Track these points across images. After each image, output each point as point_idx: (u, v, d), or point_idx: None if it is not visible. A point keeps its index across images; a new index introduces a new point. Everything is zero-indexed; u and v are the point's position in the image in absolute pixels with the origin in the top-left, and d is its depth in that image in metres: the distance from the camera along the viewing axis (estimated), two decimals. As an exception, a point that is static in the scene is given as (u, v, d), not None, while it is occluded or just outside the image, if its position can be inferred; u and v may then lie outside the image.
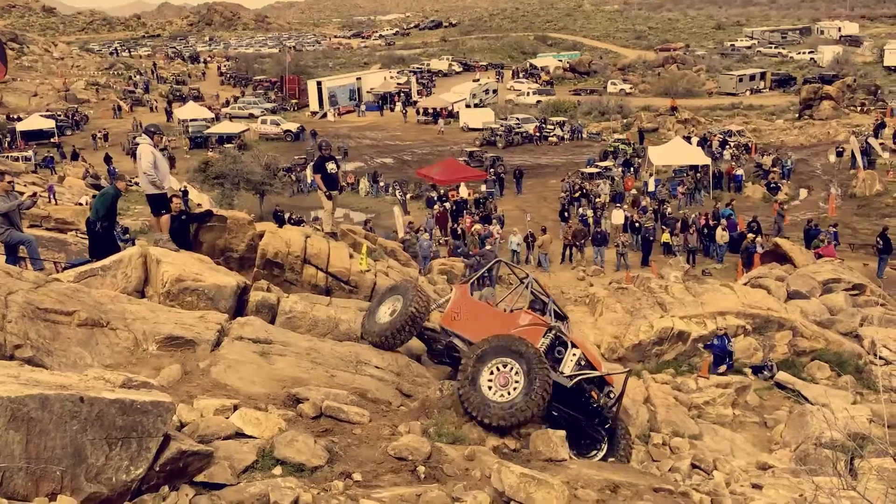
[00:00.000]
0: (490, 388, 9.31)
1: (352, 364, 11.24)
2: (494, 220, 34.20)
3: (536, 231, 30.93)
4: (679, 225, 31.68)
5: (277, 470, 7.78)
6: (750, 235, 29.27)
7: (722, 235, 30.35)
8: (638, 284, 22.95)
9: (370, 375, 11.12)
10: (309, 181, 40.12)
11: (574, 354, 10.30)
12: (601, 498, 8.09)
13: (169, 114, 72.64)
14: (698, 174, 41.43)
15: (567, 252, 30.96)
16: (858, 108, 60.57)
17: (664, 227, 32.13)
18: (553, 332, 10.46)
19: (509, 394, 9.21)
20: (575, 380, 9.93)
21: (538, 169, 50.15)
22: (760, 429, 15.03)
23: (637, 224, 31.92)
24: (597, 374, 10.23)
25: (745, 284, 22.67)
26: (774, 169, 42.90)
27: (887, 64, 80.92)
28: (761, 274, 23.83)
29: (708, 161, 42.41)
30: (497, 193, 42.36)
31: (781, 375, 16.92)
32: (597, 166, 45.23)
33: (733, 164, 44.93)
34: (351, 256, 15.66)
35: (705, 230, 30.98)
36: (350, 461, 8.23)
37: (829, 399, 15.78)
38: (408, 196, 41.88)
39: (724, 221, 31.47)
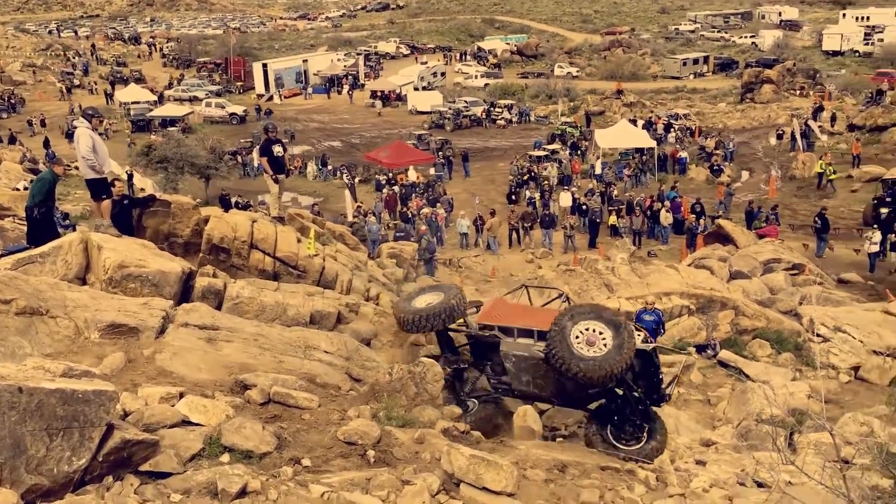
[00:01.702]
0: (578, 344, 9.58)
1: (300, 349, 11.16)
2: (443, 203, 34.24)
3: (485, 214, 31.03)
4: (625, 207, 32.10)
5: (225, 457, 7.69)
6: (692, 217, 29.87)
7: (666, 217, 30.85)
8: (585, 266, 23.23)
9: (319, 360, 11.06)
10: (255, 165, 39.57)
11: (638, 332, 10.67)
12: (549, 477, 8.19)
13: (109, 96, 70.74)
14: (644, 157, 42.02)
15: (515, 235, 31.15)
16: (798, 92, 62.03)
17: (611, 209, 32.52)
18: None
19: (598, 352, 9.49)
20: (652, 345, 10.64)
21: (486, 152, 50.26)
22: (704, 406, 15.37)
23: (584, 206, 32.25)
24: (669, 347, 10.59)
25: (689, 265, 23.12)
26: (717, 151, 43.71)
27: (825, 48, 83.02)
28: (705, 255, 24.32)
29: (653, 144, 43.04)
30: (446, 176, 42.36)
31: (724, 354, 17.31)
32: (544, 149, 45.50)
33: (678, 146, 45.66)
34: (299, 241, 15.50)
35: (649, 212, 31.46)
36: (299, 447, 8.18)
37: (770, 376, 16.24)
38: (356, 179, 41.60)
39: (668, 203, 31.98)
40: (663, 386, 10.96)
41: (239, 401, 8.97)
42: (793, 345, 18.01)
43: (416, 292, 12.66)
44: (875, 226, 27.21)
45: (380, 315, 14.43)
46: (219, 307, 12.31)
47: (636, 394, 10.34)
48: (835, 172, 37.03)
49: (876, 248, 25.74)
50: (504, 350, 10.87)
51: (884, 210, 28.30)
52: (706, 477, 8.87)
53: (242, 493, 7.06)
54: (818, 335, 17.86)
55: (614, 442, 10.27)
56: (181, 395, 8.58)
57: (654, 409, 10.76)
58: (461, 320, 11.83)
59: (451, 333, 12.13)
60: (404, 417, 9.11)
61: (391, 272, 20.60)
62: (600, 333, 9.66)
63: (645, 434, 10.47)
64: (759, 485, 8.91)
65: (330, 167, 45.08)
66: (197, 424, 8.14)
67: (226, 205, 32.64)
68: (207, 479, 7.15)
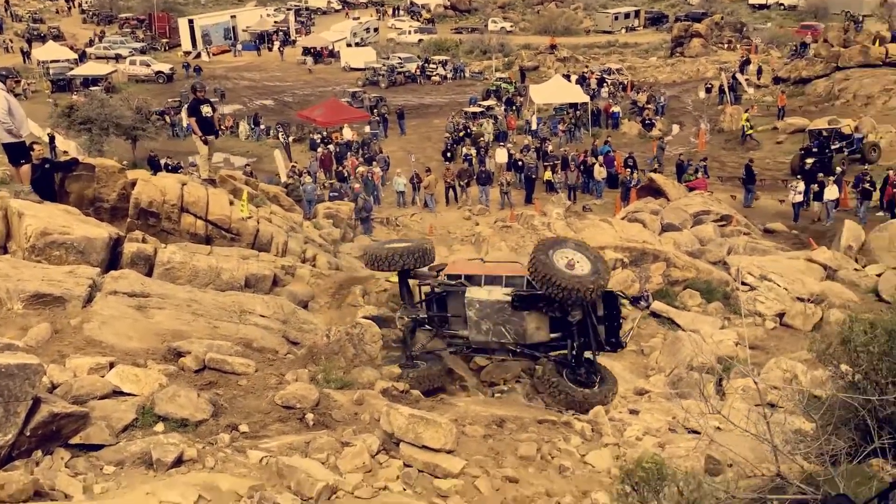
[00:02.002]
0: (559, 265, 10.16)
1: (235, 314, 11.02)
2: (379, 162, 33.94)
3: (421, 172, 30.90)
4: (560, 163, 32.33)
5: (159, 427, 7.58)
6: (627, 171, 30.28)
7: (600, 172, 31.21)
8: (522, 222, 23.42)
9: (255, 324, 10.94)
10: (184, 125, 38.46)
11: None
12: (488, 433, 8.31)
13: (26, 55, 67.51)
14: (578, 112, 42.28)
15: (452, 192, 31.14)
16: (725, 46, 63.01)
17: (546, 165, 32.72)
18: None
19: (579, 273, 10.15)
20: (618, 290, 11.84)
21: (422, 109, 49.88)
22: (638, 356, 15.75)
23: (520, 163, 32.37)
24: (628, 297, 12.19)
25: (622, 219, 23.51)
26: (649, 106, 44.27)
27: (752, 2, 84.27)
28: (637, 208, 24.75)
29: (587, 99, 43.31)
30: (381, 134, 41.93)
31: (657, 305, 17.72)
32: (480, 106, 45.36)
33: (611, 101, 46.07)
34: (231, 203, 15.20)
35: (583, 167, 31.77)
36: (236, 413, 8.10)
37: (700, 325, 16.73)
38: (290, 139, 40.87)
39: (601, 158, 32.33)
40: (622, 332, 11.44)
41: (172, 369, 8.82)
42: (721, 294, 18.53)
43: (387, 241, 13.31)
44: (799, 176, 28.04)
45: (317, 277, 14.31)
46: (149, 273, 12.02)
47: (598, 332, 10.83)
48: (752, 127, 37.87)
49: (800, 198, 26.53)
50: (469, 297, 10.95)
51: (809, 161, 29.19)
52: (639, 426, 9.13)
53: (178, 461, 6.99)
54: (745, 284, 18.41)
55: (571, 385, 10.52)
56: (111, 366, 8.39)
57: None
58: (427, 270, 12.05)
59: (410, 287, 12.18)
60: (343, 379, 9.10)
61: (328, 232, 20.42)
62: (578, 261, 10.35)
63: (598, 379, 10.83)
64: (690, 431, 9.20)
65: (263, 126, 44.15)
66: (129, 394, 7.99)
67: (155, 167, 31.78)
68: (141, 450, 7.05)
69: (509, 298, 10.73)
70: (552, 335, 10.94)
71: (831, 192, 25.55)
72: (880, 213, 24.82)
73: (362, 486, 6.86)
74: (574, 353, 10.80)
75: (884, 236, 20.29)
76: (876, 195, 25.49)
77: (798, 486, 4.93)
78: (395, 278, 13.74)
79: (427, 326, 11.81)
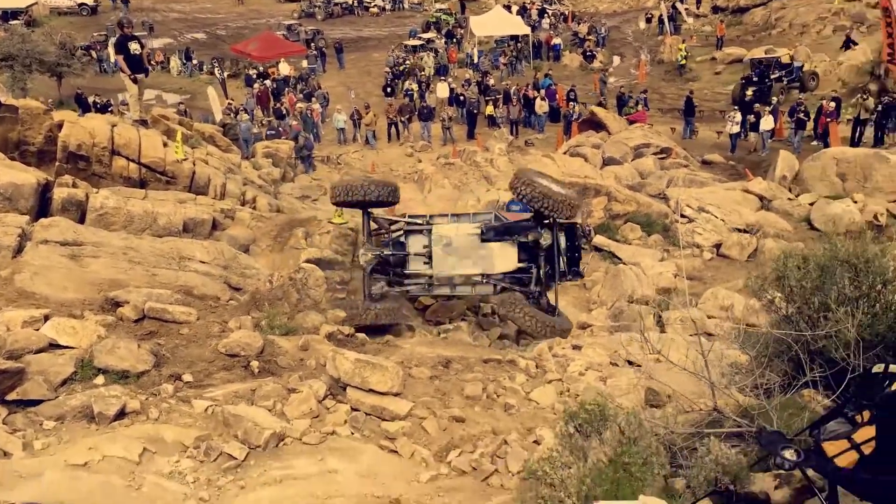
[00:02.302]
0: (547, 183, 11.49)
1: (174, 260, 10.80)
2: (318, 98, 33.22)
3: (361, 108, 30.35)
4: (502, 97, 32.09)
5: (100, 379, 7.45)
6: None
7: (542, 105, 31.10)
8: (464, 159, 23.32)
9: (195, 271, 10.75)
10: (112, 61, 36.90)
11: None
12: (434, 374, 8.38)
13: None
14: (519, 44, 41.83)
15: (394, 129, 30.73)
16: (665, -25, 62.68)
17: (487, 99, 32.45)
18: None
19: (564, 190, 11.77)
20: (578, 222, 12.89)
21: (360, 42, 48.71)
22: (580, 290, 15.98)
23: (461, 97, 32.04)
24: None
25: (564, 153, 23.58)
26: (590, 37, 44.02)
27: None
28: (579, 143, 24.82)
29: (528, 31, 42.82)
30: (319, 69, 40.89)
31: (598, 239, 17.93)
32: (420, 38, 44.51)
33: (552, 33, 45.66)
34: (165, 145, 14.75)
35: (524, 101, 31.58)
36: (179, 362, 8.00)
37: (641, 258, 17.03)
38: (225, 74, 39.58)
39: (543, 92, 32.18)
40: (581, 263, 12.64)
41: (111, 319, 8.63)
42: (661, 226, 18.83)
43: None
44: (736, 107, 28.39)
45: (257, 220, 14.07)
46: (82, 220, 11.67)
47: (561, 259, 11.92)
48: (686, 57, 38.00)
49: (737, 129, 26.89)
50: (437, 233, 11.80)
51: (750, 91, 29.56)
52: (582, 361, 9.30)
53: (121, 414, 6.90)
54: (684, 216, 18.73)
55: (543, 312, 11.38)
56: (46, 318, 8.17)
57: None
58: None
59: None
60: (287, 325, 9.03)
61: (267, 172, 20.05)
62: (558, 185, 11.87)
63: (556, 309, 11.79)
64: (632, 364, 9.42)
65: (195, 62, 42.61)
66: (66, 347, 7.81)
67: (82, 105, 30.55)
68: (82, 403, 6.93)
69: (479, 231, 11.65)
70: (519, 265, 11.75)
71: (767, 123, 25.94)
72: (814, 143, 25.37)
73: (310, 431, 6.88)
74: (541, 281, 11.72)
75: (817, 166, 20.76)
76: (810, 125, 26.00)
77: (734, 419, 5.10)
78: (340, 220, 13.63)
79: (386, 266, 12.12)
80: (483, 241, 11.71)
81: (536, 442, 7.06)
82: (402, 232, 12.26)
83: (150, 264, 10.37)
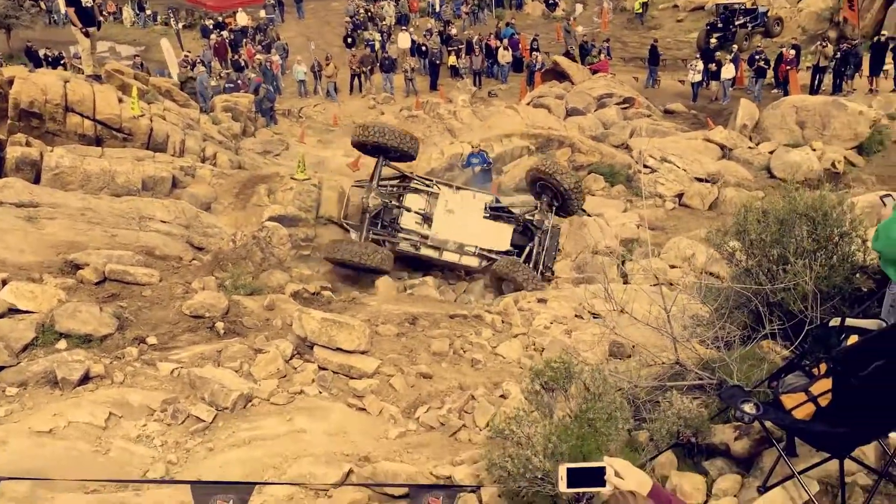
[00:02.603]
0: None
1: (134, 220, 10.63)
2: (277, 49, 32.53)
3: (322, 59, 29.79)
4: (464, 47, 31.71)
5: (62, 344, 7.36)
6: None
7: (504, 55, 30.80)
8: (427, 111, 23.09)
9: (156, 231, 10.60)
10: (62, 12, 35.67)
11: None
12: (401, 331, 8.40)
13: None
14: (481, -9, 41.23)
15: (356, 80, 30.26)
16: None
17: (450, 49, 32.04)
18: None
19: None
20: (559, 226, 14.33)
21: (319, -9, 47.63)
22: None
23: (423, 47, 31.58)
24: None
25: (528, 104, 23.45)
26: (552, -16, 43.48)
27: None
28: (542, 93, 24.68)
29: (489, -22, 42.17)
30: (278, 19, 39.98)
31: (562, 191, 17.95)
32: (380, -14, 43.62)
33: (514, -20, 45.02)
34: (121, 101, 14.38)
35: (486, 51, 31.23)
36: (143, 325, 7.93)
37: (604, 209, 17.15)
38: (180, 25, 38.54)
39: (506, 41, 31.84)
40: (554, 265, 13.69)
41: (71, 282, 8.50)
42: (624, 177, 18.92)
43: None
44: (698, 55, 28.39)
45: (218, 177, 13.85)
46: (37, 180, 11.40)
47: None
48: (645, 5, 37.74)
49: (699, 78, 26.94)
50: (444, 198, 12.97)
51: (714, 38, 29.61)
52: (547, 315, 9.38)
53: (85, 378, 6.85)
54: (646, 166, 18.82)
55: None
56: (4, 283, 8.02)
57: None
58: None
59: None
60: (252, 285, 8.97)
61: (227, 127, 19.66)
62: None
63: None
64: (596, 316, 9.54)
65: (149, 12, 41.40)
66: (26, 312, 7.69)
67: (33, 59, 29.61)
68: (45, 369, 6.86)
69: (484, 206, 12.96)
70: (509, 247, 12.96)
71: (728, 71, 26.01)
72: (775, 91, 25.53)
73: (278, 392, 6.89)
74: (530, 258, 12.91)
75: (776, 114, 20.92)
76: (770, 73, 26.12)
77: (696, 372, 5.20)
78: (303, 176, 13.49)
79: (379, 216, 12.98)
80: (485, 217, 12.97)
81: (503, 396, 7.14)
82: (404, 187, 13.11)
83: (110, 225, 10.19)
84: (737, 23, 31.08)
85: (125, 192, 11.80)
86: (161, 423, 6.34)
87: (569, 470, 2.06)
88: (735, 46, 28.48)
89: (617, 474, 2.02)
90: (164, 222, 10.76)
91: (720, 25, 30.71)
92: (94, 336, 7.48)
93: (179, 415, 6.40)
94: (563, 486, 2.08)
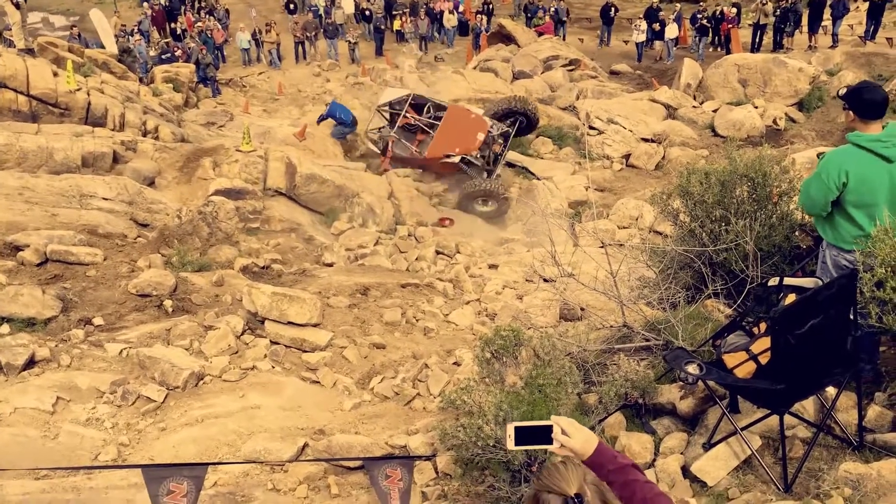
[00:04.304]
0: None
1: (75, 199, 10.36)
2: (217, 16, 31.71)
3: (262, 26, 29.14)
4: (409, 10, 31.31)
5: (4, 328, 7.21)
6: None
7: (450, 19, 30.53)
8: (373, 77, 22.83)
9: (98, 209, 10.35)
10: (-11, -18, 34.23)
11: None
12: (353, 302, 8.39)
13: None
14: (424, -46, 40.66)
15: (300, 48, 29.70)
16: None
17: (394, 13, 31.61)
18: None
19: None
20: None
21: (259, -45, 46.46)
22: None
23: (367, 12, 31.11)
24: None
25: (474, 68, 23.33)
26: (496, -55, 43.07)
27: None
28: (489, 57, 24.56)
29: (432, -61, 41.58)
30: (217, -15, 38.97)
31: (511, 155, 17.98)
32: (321, -50, 42.68)
33: (457, -59, 44.47)
34: (56, 75, 13.93)
35: (430, 14, 30.91)
36: (88, 306, 7.79)
37: (553, 172, 17.24)
38: (115, -6, 37.28)
39: (450, 4, 31.53)
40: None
41: (11, 265, 8.29)
42: (572, 139, 19.00)
43: None
44: (641, 16, 28.49)
45: (161, 150, 13.52)
46: (-30, 160, 11.02)
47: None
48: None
49: (643, 38, 27.07)
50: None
51: None
52: (499, 280, 9.46)
53: (30, 363, 6.73)
54: (593, 128, 18.93)
55: None
56: (-60, 268, 7.78)
57: None
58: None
59: None
60: (200, 261, 8.86)
61: (168, 99, 19.18)
62: None
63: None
64: (547, 280, 9.63)
65: (81, -20, 39.97)
66: (-35, 298, 7.48)
67: (-40, 33, 28.42)
68: (-12, 356, 6.70)
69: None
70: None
71: (671, 31, 26.19)
72: (717, 49, 25.79)
73: (230, 368, 6.86)
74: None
75: (719, 73, 21.16)
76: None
77: (642, 334, 5.30)
78: (248, 147, 13.27)
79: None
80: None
81: (456, 363, 7.21)
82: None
83: (49, 204, 9.91)
84: None
85: (64, 169, 11.47)
86: (111, 405, 6.26)
87: (516, 429, 2.09)
88: (678, 6, 28.67)
89: (563, 432, 2.05)
90: (107, 199, 10.50)
91: None
92: (38, 319, 7.33)
93: (129, 396, 6.33)
94: (511, 445, 2.11)
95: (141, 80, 20.45)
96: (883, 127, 4.24)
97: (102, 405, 6.26)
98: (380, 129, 17.31)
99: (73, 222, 9.62)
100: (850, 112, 4.31)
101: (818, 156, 4.97)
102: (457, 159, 15.85)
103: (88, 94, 14.00)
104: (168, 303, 7.85)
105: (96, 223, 9.77)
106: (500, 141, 16.64)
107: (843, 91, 4.42)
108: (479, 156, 16.17)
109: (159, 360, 6.66)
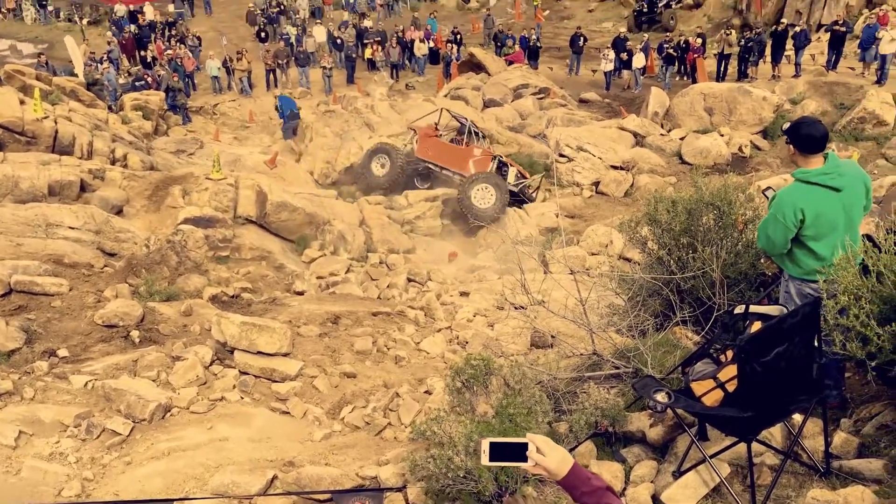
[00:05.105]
0: (476, 201, 16.09)
1: (41, 228, 10.22)
2: (188, 45, 31.67)
3: (233, 54, 29.14)
4: (380, 39, 31.51)
5: (-34, 362, 7.05)
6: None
7: (420, 47, 30.77)
8: (345, 105, 22.89)
9: (65, 238, 10.22)
10: (-45, 10, 33.97)
11: (512, 169, 17.29)
12: (324, 331, 8.34)
13: None
14: (395, -17, 41.08)
15: (271, 75, 29.72)
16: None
17: (366, 42, 31.80)
18: (497, 159, 17.25)
19: (489, 203, 16.12)
20: (519, 187, 17.18)
21: (230, -17, 46.57)
22: (466, 235, 16.17)
23: (339, 41, 31.26)
24: (527, 181, 17.56)
25: (445, 96, 23.50)
26: (466, -24, 43.62)
27: None
28: (460, 85, 24.75)
29: (403, -31, 42.02)
30: (188, 13, 38.95)
31: (482, 182, 18.07)
32: (293, -21, 42.94)
33: (427, -29, 44.97)
34: (23, 103, 13.79)
35: (401, 43, 31.12)
36: (53, 337, 7.65)
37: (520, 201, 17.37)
38: (84, 22, 37.13)
39: (421, 33, 31.79)
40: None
41: (-26, 296, 8.14)
42: (542, 166, 19.18)
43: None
44: (609, 45, 28.91)
45: (129, 178, 13.41)
46: (-67, 189, 10.84)
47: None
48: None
49: (611, 67, 27.46)
50: (436, 173, 17.23)
51: (644, 22, 30.52)
52: (470, 308, 9.46)
53: (-7, 396, 6.56)
54: (563, 156, 19.13)
55: None
56: None
57: None
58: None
59: None
60: (168, 290, 8.76)
61: (138, 126, 19.09)
62: (489, 190, 16.24)
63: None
64: (518, 308, 9.65)
65: (51, 8, 39.72)
66: (-75, 330, 7.32)
67: (-75, 60, 28.08)
68: (-52, 389, 6.55)
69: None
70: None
71: (639, 60, 26.60)
72: (683, 79, 26.22)
73: (198, 400, 6.76)
74: None
75: (685, 101, 21.51)
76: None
77: (612, 362, 5.33)
78: (218, 175, 13.22)
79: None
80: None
81: (428, 392, 7.18)
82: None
83: (14, 233, 9.77)
84: (660, 4, 32.06)
85: (30, 198, 11.32)
86: (75, 439, 6.13)
87: (492, 444, 2.08)
88: (645, 36, 29.17)
89: (539, 450, 2.04)
90: (73, 228, 10.37)
91: (646, 10, 31.67)
92: (1, 351, 7.19)
93: (94, 429, 6.21)
94: (485, 460, 2.09)
95: (110, 108, 20.33)
96: (825, 158, 4.34)
97: (66, 439, 6.12)
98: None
99: (39, 252, 9.48)
100: (791, 146, 4.41)
101: (763, 192, 5.06)
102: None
103: (56, 122, 13.88)
104: (135, 333, 7.74)
105: (62, 253, 9.64)
106: None
107: (785, 126, 4.53)
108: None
109: (125, 392, 6.55)
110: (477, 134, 18.22)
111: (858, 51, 21.71)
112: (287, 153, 19.38)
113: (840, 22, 21.96)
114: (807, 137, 4.32)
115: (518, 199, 17.17)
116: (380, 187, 17.01)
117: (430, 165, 17.43)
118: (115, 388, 6.63)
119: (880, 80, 20.30)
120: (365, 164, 17.36)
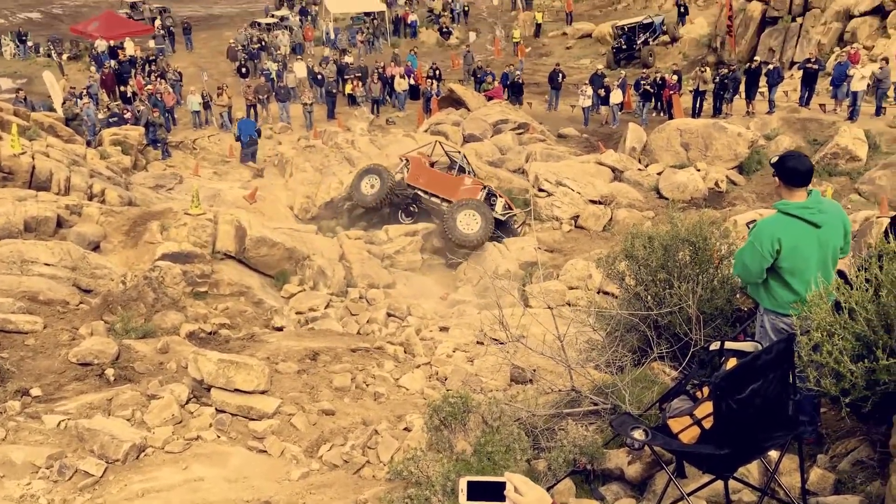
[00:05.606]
0: (461, 226, 16.34)
1: (15, 264, 10.12)
2: (169, 80, 31.72)
3: (213, 89, 29.22)
4: (360, 75, 31.75)
5: (-64, 402, 6.92)
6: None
7: (400, 83, 31.03)
8: (325, 140, 22.97)
9: (40, 274, 10.11)
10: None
11: (501, 200, 17.81)
12: (302, 368, 8.28)
13: None
14: (375, 21, 41.49)
15: (252, 111, 29.81)
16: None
17: (346, 77, 32.02)
18: (486, 188, 17.82)
19: (473, 230, 16.41)
20: (506, 216, 17.75)
21: (211, 20, 46.91)
22: (446, 270, 16.19)
23: (320, 76, 31.45)
24: (513, 212, 18.07)
25: (425, 131, 23.66)
26: (445, 13, 44.19)
27: None
28: (440, 120, 24.94)
29: (383, 7, 42.50)
30: (168, 49, 39.10)
31: (462, 216, 18.15)
32: (273, 16, 43.31)
33: (408, 9, 45.49)
34: (0, 138, 13.75)
35: (382, 78, 31.39)
36: (26, 376, 7.54)
37: (504, 233, 17.44)
38: (64, 57, 37.13)
39: (401, 69, 32.08)
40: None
41: (-55, 334, 8.02)
42: (522, 201, 19.30)
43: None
44: (587, 82, 29.32)
45: (107, 214, 13.34)
46: None
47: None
48: (517, 36, 38.93)
49: (588, 103, 27.81)
50: (424, 200, 17.73)
51: (623, 58, 31.16)
52: (450, 343, 9.44)
53: (-37, 438, 6.44)
54: (542, 190, 19.26)
55: None
56: None
57: None
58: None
59: None
60: (144, 327, 8.67)
61: (116, 161, 19.03)
62: (474, 217, 16.54)
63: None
64: (497, 342, 9.64)
65: (30, 44, 39.74)
66: None
67: None
68: (-84, 430, 6.42)
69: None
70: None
71: (616, 96, 26.97)
72: (660, 115, 26.60)
73: (173, 439, 6.67)
74: None
75: (662, 137, 21.79)
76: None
77: (590, 398, 5.33)
78: (197, 211, 13.19)
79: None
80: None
81: (407, 429, 7.13)
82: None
83: (-12, 270, 9.66)
84: (639, 41, 32.62)
85: (6, 234, 11.22)
86: (47, 481, 6.02)
87: (469, 483, 2.06)
88: (622, 73, 29.62)
89: (516, 490, 2.02)
90: (49, 265, 10.27)
91: (625, 46, 32.21)
92: (-28, 391, 7.06)
93: (67, 470, 6.10)
94: (463, 499, 2.07)
95: (89, 143, 20.27)
96: (808, 193, 4.42)
97: (38, 481, 6.01)
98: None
99: (13, 289, 9.37)
100: (777, 178, 4.49)
101: (748, 224, 5.13)
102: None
103: (33, 158, 13.83)
104: (110, 371, 7.64)
105: (37, 289, 9.54)
106: None
107: (773, 159, 4.61)
108: None
109: (99, 432, 6.45)
110: (470, 172, 18.57)
111: (830, 88, 22.14)
112: (268, 188, 19.36)
113: (812, 60, 22.40)
114: (792, 171, 4.40)
115: (502, 230, 17.48)
116: (366, 206, 17.46)
117: (420, 192, 17.74)
118: (89, 427, 6.53)
119: (852, 117, 20.69)
120: (355, 184, 17.63)
